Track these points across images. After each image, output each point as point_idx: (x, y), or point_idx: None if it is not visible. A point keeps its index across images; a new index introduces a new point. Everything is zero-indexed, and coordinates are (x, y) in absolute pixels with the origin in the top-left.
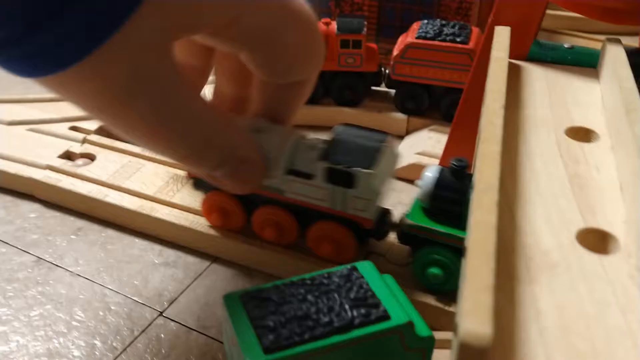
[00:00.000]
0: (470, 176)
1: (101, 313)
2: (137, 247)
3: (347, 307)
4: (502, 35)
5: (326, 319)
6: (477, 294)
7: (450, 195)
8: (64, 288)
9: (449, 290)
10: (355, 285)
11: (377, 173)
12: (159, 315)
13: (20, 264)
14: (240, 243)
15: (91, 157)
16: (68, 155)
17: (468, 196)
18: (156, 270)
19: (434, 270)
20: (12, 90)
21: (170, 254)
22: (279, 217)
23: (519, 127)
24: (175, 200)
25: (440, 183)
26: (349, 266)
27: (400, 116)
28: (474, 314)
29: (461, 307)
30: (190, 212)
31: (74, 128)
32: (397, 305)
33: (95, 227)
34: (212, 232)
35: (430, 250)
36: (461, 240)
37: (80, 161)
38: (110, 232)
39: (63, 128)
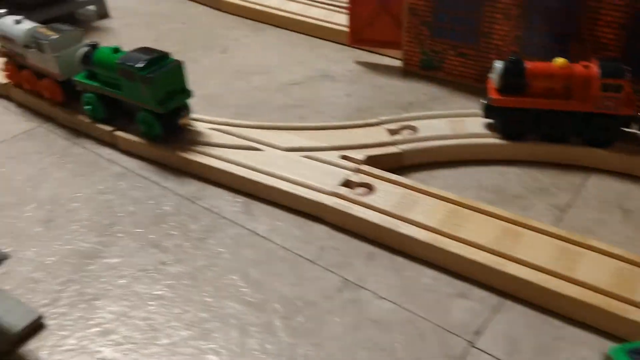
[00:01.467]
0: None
1: (418, 339)
2: (427, 276)
3: None
4: None
5: None
6: None
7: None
8: (376, 311)
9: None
10: None
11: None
12: (471, 346)
13: (330, 283)
14: (531, 283)
15: (369, 187)
16: (347, 184)
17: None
18: (453, 301)
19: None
20: (287, 119)
21: (461, 285)
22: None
23: None
24: (461, 234)
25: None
26: None
27: None
28: None
29: None
30: (478, 248)
31: (344, 157)
32: None
33: (385, 254)
34: (505, 269)
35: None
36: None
37: (359, 190)
38: (400, 260)
39: (334, 156)
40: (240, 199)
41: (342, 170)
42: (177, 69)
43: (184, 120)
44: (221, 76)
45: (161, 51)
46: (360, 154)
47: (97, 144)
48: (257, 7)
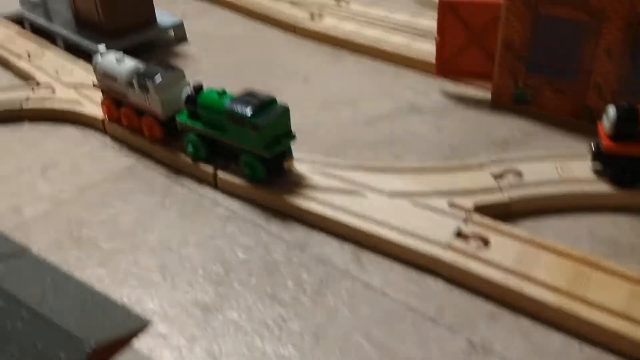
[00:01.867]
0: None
1: None
2: (556, 340)
3: None
4: None
5: None
6: None
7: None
8: None
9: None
10: None
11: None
12: None
13: (456, 345)
14: None
15: (483, 240)
16: (460, 235)
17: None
18: None
19: (190, 147)
20: (381, 157)
21: (592, 352)
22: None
23: None
24: (590, 297)
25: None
26: None
27: None
28: None
29: None
30: (610, 314)
31: (452, 204)
32: None
33: (508, 314)
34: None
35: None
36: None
37: (473, 242)
38: (525, 321)
39: (441, 203)
40: (348, 247)
41: (453, 219)
42: (284, 114)
43: (288, 163)
44: (307, 108)
45: (268, 95)
46: (468, 201)
47: (197, 183)
48: (335, 33)
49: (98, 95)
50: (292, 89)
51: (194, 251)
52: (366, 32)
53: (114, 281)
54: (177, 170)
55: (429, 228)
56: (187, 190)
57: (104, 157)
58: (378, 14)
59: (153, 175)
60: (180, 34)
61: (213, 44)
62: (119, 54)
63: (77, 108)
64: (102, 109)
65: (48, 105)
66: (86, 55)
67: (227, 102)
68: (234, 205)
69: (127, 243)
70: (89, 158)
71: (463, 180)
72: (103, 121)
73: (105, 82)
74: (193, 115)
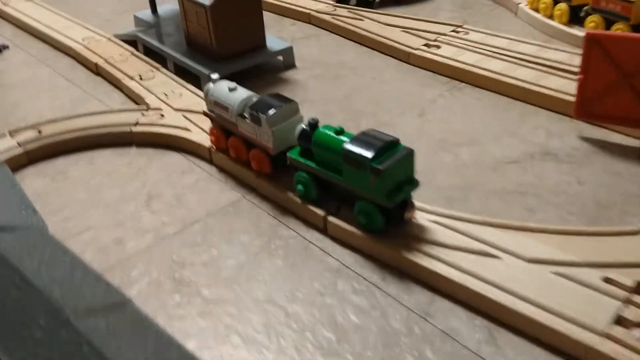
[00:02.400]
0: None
1: None
2: None
3: None
4: None
5: None
6: None
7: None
8: None
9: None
10: None
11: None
12: None
13: None
14: None
15: None
16: (620, 321)
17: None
18: None
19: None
20: (511, 210)
21: None
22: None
23: None
24: None
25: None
26: None
27: None
28: None
29: None
30: None
31: (608, 280)
32: None
33: None
34: None
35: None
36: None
37: (637, 332)
38: None
39: (593, 277)
40: (479, 321)
41: (610, 299)
42: (407, 158)
43: (409, 214)
44: (424, 146)
45: (390, 137)
46: (628, 278)
47: (305, 227)
48: (453, 62)
49: (206, 123)
50: (405, 124)
51: (301, 309)
52: (487, 64)
53: (215, 336)
54: (283, 209)
55: (580, 308)
56: (294, 234)
57: (208, 189)
58: (500, 44)
59: (258, 214)
60: (288, 60)
61: (321, 70)
62: (232, 84)
63: (185, 135)
64: (210, 138)
65: (156, 130)
66: (195, 79)
67: (345, 142)
68: (346, 256)
69: (230, 291)
70: (193, 189)
71: (619, 249)
72: (210, 150)
73: (216, 110)
74: (306, 152)
